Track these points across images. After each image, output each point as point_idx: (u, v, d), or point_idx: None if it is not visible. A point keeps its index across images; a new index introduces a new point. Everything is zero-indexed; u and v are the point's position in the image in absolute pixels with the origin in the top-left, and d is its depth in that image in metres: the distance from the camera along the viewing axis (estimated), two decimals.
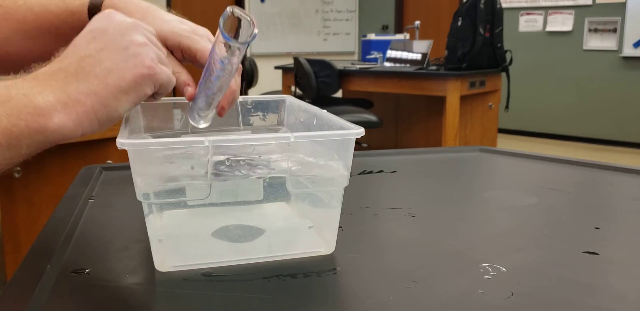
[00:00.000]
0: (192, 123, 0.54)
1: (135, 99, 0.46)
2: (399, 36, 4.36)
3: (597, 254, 0.50)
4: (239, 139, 0.43)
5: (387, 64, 3.94)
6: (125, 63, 0.45)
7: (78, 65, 0.45)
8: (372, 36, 4.40)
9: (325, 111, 0.54)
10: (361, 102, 3.98)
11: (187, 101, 0.54)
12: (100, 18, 0.48)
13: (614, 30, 5.09)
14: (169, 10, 0.62)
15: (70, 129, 0.43)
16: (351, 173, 0.56)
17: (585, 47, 5.28)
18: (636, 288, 0.43)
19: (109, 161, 1.91)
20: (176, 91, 0.55)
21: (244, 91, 2.93)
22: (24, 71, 0.47)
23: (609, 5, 5.10)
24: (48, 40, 0.61)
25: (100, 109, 0.44)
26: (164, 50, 0.51)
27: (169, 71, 0.49)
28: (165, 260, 0.46)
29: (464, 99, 3.43)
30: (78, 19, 0.60)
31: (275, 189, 0.48)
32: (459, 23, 3.39)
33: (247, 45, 0.46)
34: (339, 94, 4.11)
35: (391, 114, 4.34)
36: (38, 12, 0.61)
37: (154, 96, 0.50)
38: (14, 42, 0.61)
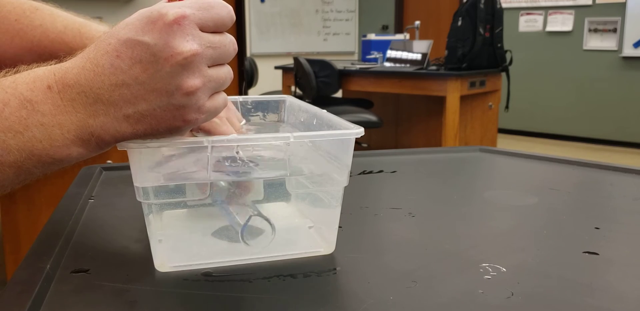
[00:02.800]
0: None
1: (168, 138, 0.42)
2: (399, 36, 4.36)
3: (597, 254, 0.50)
4: (239, 139, 0.43)
5: (387, 64, 3.94)
6: (163, 112, 0.39)
7: (112, 93, 0.39)
8: (372, 36, 4.40)
9: (325, 111, 0.54)
10: (361, 102, 3.98)
11: None
12: (157, 25, 0.38)
13: (614, 30, 5.09)
14: None
15: (83, 156, 0.41)
16: (351, 173, 0.56)
17: (585, 47, 5.28)
18: (636, 288, 0.43)
19: (109, 161, 1.91)
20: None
21: (244, 91, 2.93)
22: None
23: (609, 5, 5.10)
24: None
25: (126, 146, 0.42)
26: (225, 84, 0.43)
27: (216, 114, 0.43)
28: (165, 260, 0.46)
29: (464, 99, 3.43)
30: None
31: (275, 189, 0.49)
32: (459, 23, 3.39)
33: None
34: (339, 94, 4.11)
35: (391, 114, 4.34)
36: (54, 39, 0.61)
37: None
38: (25, 59, 0.61)
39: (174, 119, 0.40)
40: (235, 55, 0.44)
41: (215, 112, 0.42)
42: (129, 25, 0.39)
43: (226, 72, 0.42)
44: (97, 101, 0.39)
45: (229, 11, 0.41)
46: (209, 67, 0.40)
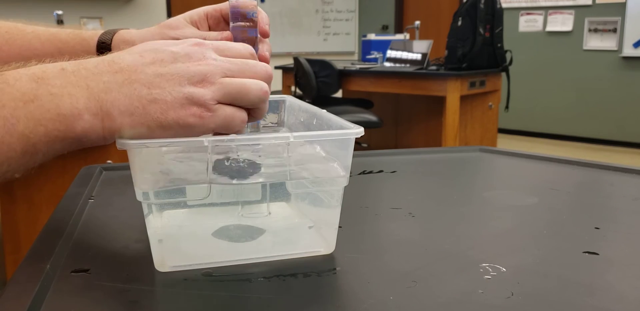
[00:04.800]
0: None
1: (176, 136, 0.41)
2: (399, 36, 4.36)
3: (597, 254, 0.50)
4: (239, 139, 0.43)
5: (387, 64, 3.94)
6: (173, 99, 0.41)
7: (128, 76, 0.40)
8: (372, 36, 4.40)
9: (325, 111, 0.54)
10: (361, 102, 3.98)
11: None
12: (181, 43, 0.43)
13: (614, 30, 5.09)
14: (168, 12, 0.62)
15: (89, 140, 0.40)
16: (351, 173, 0.56)
17: (585, 47, 5.28)
18: (636, 288, 0.43)
19: (109, 161, 1.91)
20: None
21: None
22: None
23: (609, 5, 5.10)
24: None
25: (129, 132, 0.41)
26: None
27: (227, 126, 0.43)
28: (165, 260, 0.46)
29: (464, 99, 3.43)
30: (88, 45, 0.60)
31: (275, 189, 0.49)
32: (459, 23, 3.39)
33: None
34: (339, 94, 4.11)
35: (391, 114, 4.34)
36: (46, 39, 0.60)
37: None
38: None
39: (182, 108, 0.41)
40: None
41: (226, 124, 0.42)
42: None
43: (244, 83, 0.43)
44: (112, 81, 0.40)
45: (246, 48, 0.45)
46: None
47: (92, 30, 0.62)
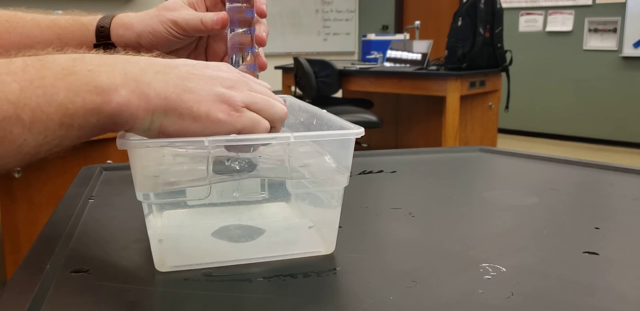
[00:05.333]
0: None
1: (203, 131, 0.42)
2: (399, 36, 4.36)
3: (597, 254, 0.50)
4: (239, 139, 0.43)
5: (387, 64, 3.94)
6: (206, 95, 0.42)
7: (163, 69, 0.42)
8: (372, 36, 4.40)
9: (325, 111, 0.54)
10: (361, 102, 3.98)
11: None
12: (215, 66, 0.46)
13: (614, 30, 5.09)
14: None
15: (124, 118, 0.40)
16: (351, 173, 0.56)
17: (585, 47, 5.28)
18: (636, 288, 0.43)
19: (109, 161, 1.91)
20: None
21: None
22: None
23: (609, 5, 5.10)
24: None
25: (160, 116, 0.41)
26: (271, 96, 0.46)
27: (259, 118, 0.44)
28: (165, 260, 0.46)
29: (464, 99, 3.43)
30: (87, 30, 0.60)
31: (275, 189, 0.49)
32: (459, 23, 3.39)
33: None
34: (339, 94, 4.11)
35: (391, 114, 4.34)
36: (45, 26, 0.60)
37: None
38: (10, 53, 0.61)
39: (214, 103, 0.42)
40: None
41: (252, 127, 0.43)
42: None
43: (269, 98, 0.45)
44: (148, 69, 0.42)
45: (265, 85, 0.47)
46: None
47: (91, 16, 0.62)
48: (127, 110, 0.40)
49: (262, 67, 0.56)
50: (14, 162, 0.39)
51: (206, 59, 0.64)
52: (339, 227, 0.50)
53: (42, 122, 0.38)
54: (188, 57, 0.63)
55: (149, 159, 0.43)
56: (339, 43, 6.87)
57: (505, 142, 5.28)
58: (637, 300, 0.41)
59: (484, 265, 0.47)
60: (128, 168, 0.44)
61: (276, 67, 4.34)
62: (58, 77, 0.39)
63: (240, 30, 0.52)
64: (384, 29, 6.75)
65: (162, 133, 0.42)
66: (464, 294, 0.42)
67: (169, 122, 0.41)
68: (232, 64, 0.53)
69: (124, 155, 0.42)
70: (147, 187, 0.43)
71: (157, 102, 0.41)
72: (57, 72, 0.39)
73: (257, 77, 0.54)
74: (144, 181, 0.43)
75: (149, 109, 0.41)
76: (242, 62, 0.52)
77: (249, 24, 0.52)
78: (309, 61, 3.71)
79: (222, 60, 0.63)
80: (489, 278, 0.45)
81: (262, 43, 0.56)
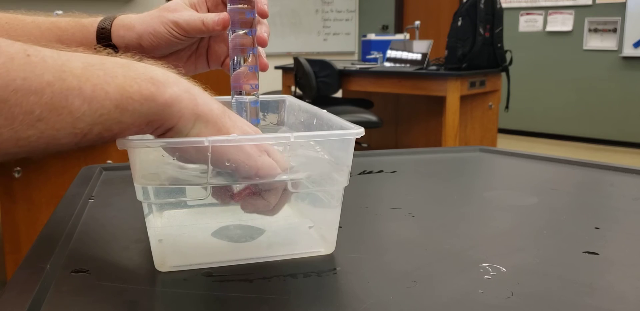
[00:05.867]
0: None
1: (234, 160, 0.43)
2: (399, 36, 4.36)
3: (597, 254, 0.50)
4: (239, 139, 0.43)
5: (387, 64, 3.94)
6: (240, 127, 0.45)
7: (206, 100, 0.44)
8: (372, 36, 4.40)
9: (325, 111, 0.54)
10: (361, 102, 3.98)
11: None
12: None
13: (614, 30, 5.09)
14: None
15: (172, 111, 0.41)
16: (351, 173, 0.56)
17: (585, 47, 5.28)
18: (636, 288, 0.43)
19: (109, 161, 1.91)
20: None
21: None
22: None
23: (609, 5, 5.10)
24: None
25: (200, 129, 0.43)
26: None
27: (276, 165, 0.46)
28: (165, 260, 0.46)
29: (464, 99, 3.43)
30: (87, 31, 0.60)
31: None
32: (459, 23, 3.39)
33: None
34: (339, 94, 4.11)
35: (391, 114, 4.34)
36: (46, 28, 0.60)
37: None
38: None
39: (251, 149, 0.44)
40: None
41: (271, 166, 0.45)
42: None
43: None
44: (195, 89, 0.44)
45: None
46: None
47: (92, 18, 0.62)
48: (177, 105, 0.41)
49: (263, 68, 0.56)
50: (66, 138, 0.39)
51: (207, 61, 0.64)
52: (339, 227, 0.50)
53: (101, 99, 0.39)
54: (189, 58, 0.63)
55: (149, 159, 0.43)
56: (339, 43, 6.87)
57: (505, 142, 5.28)
58: (637, 300, 0.41)
59: (484, 265, 0.47)
60: (128, 168, 0.44)
61: (276, 67, 4.34)
62: (116, 66, 0.41)
63: (242, 31, 0.52)
64: (384, 29, 6.75)
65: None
66: (464, 294, 0.42)
67: (206, 133, 0.43)
68: (233, 65, 0.53)
69: (124, 155, 0.42)
70: (147, 187, 0.43)
71: (203, 109, 0.42)
72: (115, 62, 0.41)
73: (257, 77, 0.54)
74: (143, 180, 0.43)
75: (195, 112, 0.42)
76: (244, 63, 0.52)
77: (250, 25, 0.52)
78: (309, 61, 3.71)
79: (223, 61, 0.63)
80: (489, 278, 0.45)
81: (263, 44, 0.56)
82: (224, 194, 0.46)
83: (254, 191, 0.46)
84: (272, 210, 0.47)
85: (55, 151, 0.40)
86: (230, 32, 0.53)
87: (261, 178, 0.44)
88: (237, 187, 0.46)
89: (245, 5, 0.52)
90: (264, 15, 0.57)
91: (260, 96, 0.55)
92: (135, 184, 0.43)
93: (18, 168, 1.81)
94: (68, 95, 0.38)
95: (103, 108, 0.39)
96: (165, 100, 0.41)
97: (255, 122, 0.53)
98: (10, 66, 0.36)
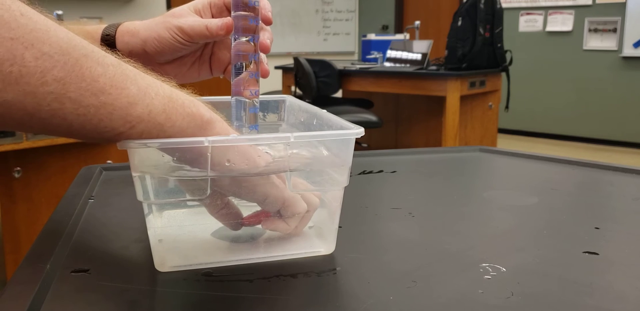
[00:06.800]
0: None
1: (260, 189, 0.45)
2: (399, 36, 4.36)
3: (597, 254, 0.50)
4: (239, 139, 0.43)
5: (387, 64, 3.94)
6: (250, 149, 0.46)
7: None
8: (372, 36, 4.40)
9: (325, 111, 0.54)
10: (361, 102, 3.98)
11: None
12: None
13: (614, 30, 5.09)
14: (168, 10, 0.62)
15: (210, 131, 0.43)
16: (351, 173, 0.56)
17: (585, 47, 5.28)
18: (636, 288, 0.43)
19: (109, 161, 1.91)
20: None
21: None
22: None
23: (609, 5, 5.10)
24: None
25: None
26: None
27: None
28: (165, 260, 0.46)
29: (464, 99, 3.43)
30: (92, 38, 0.60)
31: None
32: (459, 23, 3.39)
33: None
34: (339, 94, 4.11)
35: (391, 114, 4.34)
36: None
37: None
38: None
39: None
40: None
41: (295, 199, 0.47)
42: None
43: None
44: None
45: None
46: None
47: (96, 25, 0.62)
48: (212, 123, 0.44)
49: (264, 75, 0.56)
50: (119, 123, 0.40)
51: (210, 67, 0.64)
52: (339, 227, 0.50)
53: (151, 96, 0.41)
54: (192, 65, 0.63)
55: (149, 159, 0.43)
56: (339, 43, 6.87)
57: (505, 142, 5.28)
58: (637, 300, 0.41)
59: (484, 265, 0.47)
60: (128, 168, 0.44)
61: (276, 67, 4.34)
62: (159, 84, 0.43)
63: (244, 38, 0.53)
64: (384, 29, 6.75)
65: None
66: (464, 294, 0.42)
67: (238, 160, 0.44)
68: (235, 71, 0.53)
69: (124, 155, 0.42)
70: (147, 186, 0.43)
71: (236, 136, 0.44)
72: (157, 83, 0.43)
73: (258, 84, 0.54)
74: (143, 180, 0.43)
75: (212, 124, 0.44)
76: (245, 69, 0.53)
77: (253, 32, 0.53)
78: (309, 61, 3.71)
79: (226, 68, 0.63)
80: (489, 278, 0.45)
81: (265, 51, 0.56)
82: (233, 221, 0.48)
83: (261, 219, 0.48)
84: (293, 232, 0.50)
85: (97, 139, 0.41)
86: (233, 38, 0.53)
87: (286, 211, 0.47)
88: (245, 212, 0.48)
89: (249, 12, 0.52)
90: (268, 22, 0.57)
91: (260, 96, 0.55)
92: (135, 184, 0.43)
93: (18, 168, 1.81)
94: (126, 82, 0.40)
95: (151, 106, 0.41)
96: (203, 119, 0.43)
97: (254, 128, 0.53)
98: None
